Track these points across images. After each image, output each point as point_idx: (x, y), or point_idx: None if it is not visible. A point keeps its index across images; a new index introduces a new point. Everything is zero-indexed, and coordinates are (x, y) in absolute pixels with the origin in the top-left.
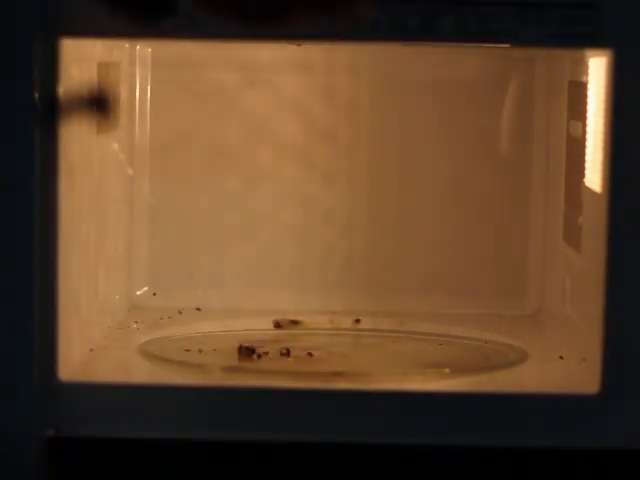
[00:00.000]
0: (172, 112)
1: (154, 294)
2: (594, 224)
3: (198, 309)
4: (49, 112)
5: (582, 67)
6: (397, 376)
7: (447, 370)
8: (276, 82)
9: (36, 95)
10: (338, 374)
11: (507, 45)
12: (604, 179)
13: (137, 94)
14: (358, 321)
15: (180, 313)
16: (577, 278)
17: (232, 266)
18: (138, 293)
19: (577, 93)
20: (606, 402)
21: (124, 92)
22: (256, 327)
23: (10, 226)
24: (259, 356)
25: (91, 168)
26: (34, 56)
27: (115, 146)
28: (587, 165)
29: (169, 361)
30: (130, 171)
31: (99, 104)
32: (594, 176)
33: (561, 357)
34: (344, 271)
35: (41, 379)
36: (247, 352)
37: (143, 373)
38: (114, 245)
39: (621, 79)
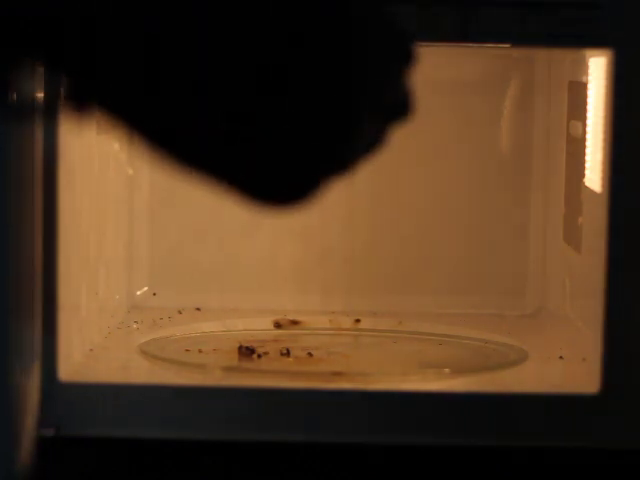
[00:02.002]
0: None
1: (154, 294)
2: (594, 224)
3: (198, 309)
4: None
5: (582, 67)
6: (397, 376)
7: (447, 370)
8: None
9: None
10: (338, 374)
11: (507, 45)
12: (604, 179)
13: None
14: (358, 321)
15: (180, 313)
16: (577, 278)
17: (232, 266)
18: (138, 293)
19: (577, 93)
20: (606, 402)
21: None
22: (256, 327)
23: (10, 226)
24: (259, 356)
25: (91, 168)
26: None
27: (115, 146)
28: (587, 165)
29: (169, 361)
30: (130, 171)
31: None
32: (594, 176)
33: (561, 357)
34: (344, 271)
35: (41, 379)
36: (247, 352)
37: (143, 373)
38: (114, 245)
39: (621, 79)
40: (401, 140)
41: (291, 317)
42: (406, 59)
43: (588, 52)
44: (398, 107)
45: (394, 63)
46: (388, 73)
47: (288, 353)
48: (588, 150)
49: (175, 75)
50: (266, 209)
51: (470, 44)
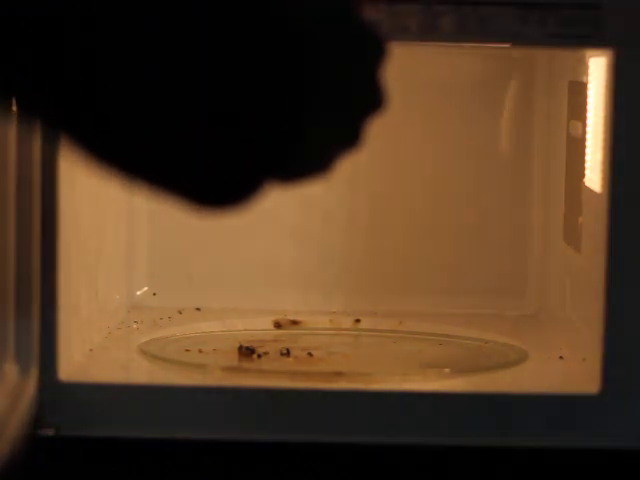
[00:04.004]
0: None
1: (154, 294)
2: (594, 224)
3: (198, 309)
4: None
5: (582, 67)
6: (397, 376)
7: (447, 370)
8: None
9: None
10: (338, 374)
11: (507, 45)
12: (604, 179)
13: None
14: (358, 321)
15: (180, 313)
16: (577, 278)
17: (232, 266)
18: (138, 293)
19: (577, 93)
20: (606, 402)
21: None
22: (256, 327)
23: (10, 226)
24: (259, 356)
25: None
26: None
27: None
28: (587, 165)
29: (169, 361)
30: None
31: None
32: (594, 176)
33: (561, 357)
34: (344, 271)
35: (41, 379)
36: (247, 352)
37: (143, 373)
38: (114, 245)
39: (621, 79)
40: (401, 140)
41: (291, 317)
42: (369, 55)
43: (588, 52)
44: (367, 103)
45: (353, 60)
46: (346, 70)
47: (288, 353)
48: (588, 150)
49: (114, 81)
50: (203, 211)
51: (470, 44)
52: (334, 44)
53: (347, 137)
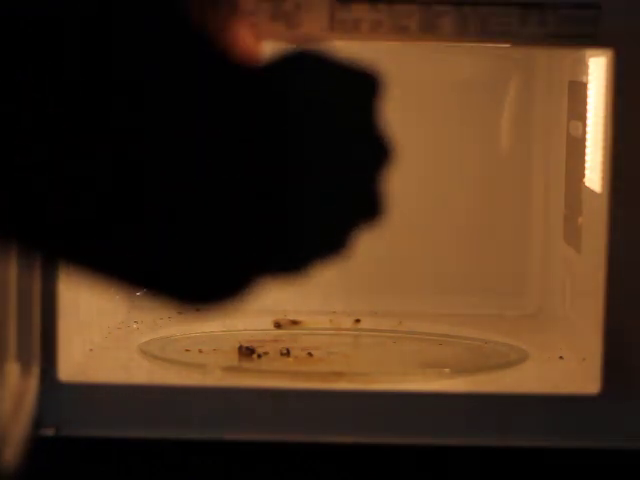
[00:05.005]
0: None
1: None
2: (594, 224)
3: (198, 309)
4: None
5: (582, 67)
6: (397, 376)
7: (447, 370)
8: None
9: None
10: (338, 374)
11: (507, 45)
12: (604, 179)
13: None
14: (358, 321)
15: (180, 313)
16: (577, 278)
17: None
18: (138, 293)
19: (577, 93)
20: (606, 402)
21: None
22: (256, 327)
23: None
24: (259, 356)
25: None
26: None
27: None
28: (587, 165)
29: (169, 361)
30: None
31: None
32: (594, 176)
33: (561, 357)
34: (344, 271)
35: (41, 379)
36: (247, 352)
37: (143, 373)
38: None
39: (621, 79)
40: (400, 140)
41: (291, 317)
42: (369, 165)
43: (588, 52)
44: (358, 215)
45: (347, 169)
46: (336, 181)
47: (288, 353)
48: (588, 150)
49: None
50: (191, 309)
51: (470, 44)
52: (325, 149)
53: (332, 246)
